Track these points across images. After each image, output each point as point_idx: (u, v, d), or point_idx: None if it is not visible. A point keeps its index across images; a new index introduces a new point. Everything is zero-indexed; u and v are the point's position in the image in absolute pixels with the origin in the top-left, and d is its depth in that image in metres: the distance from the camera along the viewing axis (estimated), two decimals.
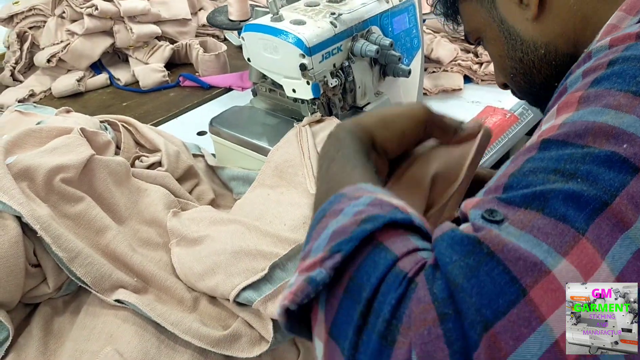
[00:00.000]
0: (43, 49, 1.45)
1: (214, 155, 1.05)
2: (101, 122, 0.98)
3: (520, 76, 0.68)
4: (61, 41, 1.43)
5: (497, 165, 1.11)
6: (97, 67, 1.48)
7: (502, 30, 0.67)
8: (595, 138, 0.37)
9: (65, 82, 1.40)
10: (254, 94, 1.05)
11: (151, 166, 0.92)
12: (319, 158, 0.52)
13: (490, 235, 0.33)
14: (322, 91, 0.89)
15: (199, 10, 1.66)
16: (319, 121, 0.90)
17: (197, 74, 1.46)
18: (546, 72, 0.65)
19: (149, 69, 1.42)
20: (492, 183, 0.39)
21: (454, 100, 1.27)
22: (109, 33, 1.45)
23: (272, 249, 0.71)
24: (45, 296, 0.75)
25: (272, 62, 0.91)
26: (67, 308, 0.76)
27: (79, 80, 1.40)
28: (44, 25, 1.47)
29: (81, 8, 1.39)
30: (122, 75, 1.45)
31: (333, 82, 0.89)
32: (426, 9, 1.06)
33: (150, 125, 1.22)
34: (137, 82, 1.43)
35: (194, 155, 1.05)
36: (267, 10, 0.91)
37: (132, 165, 0.92)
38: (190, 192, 0.92)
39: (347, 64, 0.92)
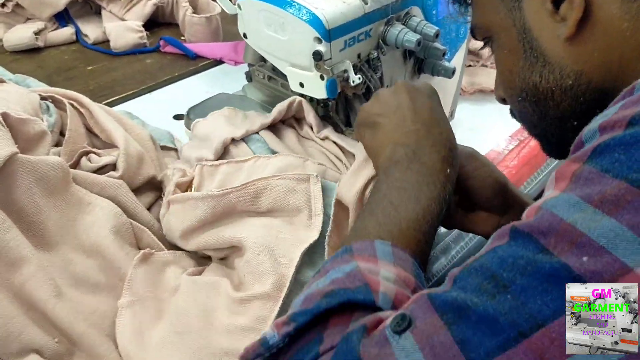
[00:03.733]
0: None
1: None
2: (42, 98, 0.74)
3: (530, 103, 0.53)
4: None
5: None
6: (62, 18, 1.23)
7: (522, 41, 0.51)
8: (558, 242, 0.34)
9: (21, 34, 1.15)
10: (248, 78, 0.82)
11: (102, 169, 0.68)
12: (389, 165, 0.54)
13: (372, 354, 0.35)
14: (339, 90, 0.66)
15: None
16: None
17: (182, 38, 1.22)
18: (566, 108, 0.50)
19: (123, 27, 1.17)
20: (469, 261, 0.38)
21: (491, 104, 1.04)
22: None
23: (241, 342, 0.52)
24: None
25: (276, 44, 0.68)
26: None
27: (37, 33, 1.15)
28: None
29: None
30: (91, 31, 1.21)
31: (356, 79, 0.66)
32: None
33: (117, 99, 0.99)
34: (108, 41, 1.18)
35: (165, 148, 0.82)
36: None
37: (77, 163, 0.69)
38: (150, 208, 0.68)
39: (375, 54, 0.69)
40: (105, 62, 1.14)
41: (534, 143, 0.94)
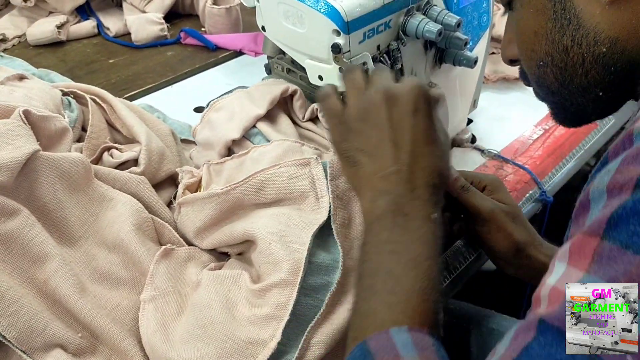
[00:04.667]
0: None
1: None
2: (64, 94, 0.75)
3: (554, 69, 0.50)
4: None
5: (569, 182, 0.88)
6: (84, 11, 1.24)
7: (553, 1, 0.48)
8: None
9: (43, 28, 1.16)
10: (268, 70, 0.81)
11: (123, 164, 0.69)
12: (372, 220, 0.51)
13: None
14: None
15: None
16: None
17: (202, 30, 1.22)
18: (595, 77, 0.48)
19: (144, 20, 1.18)
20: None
21: (515, 92, 1.02)
22: None
23: (264, 330, 0.52)
24: None
25: (295, 36, 0.67)
26: None
27: (59, 27, 1.16)
28: None
29: None
30: (112, 24, 1.21)
31: None
32: None
33: (139, 92, 1.00)
34: (130, 34, 1.18)
35: (185, 141, 0.82)
36: None
37: (99, 159, 0.70)
38: (170, 204, 0.69)
39: (395, 46, 0.68)
40: (127, 55, 1.14)
41: (559, 133, 0.92)
